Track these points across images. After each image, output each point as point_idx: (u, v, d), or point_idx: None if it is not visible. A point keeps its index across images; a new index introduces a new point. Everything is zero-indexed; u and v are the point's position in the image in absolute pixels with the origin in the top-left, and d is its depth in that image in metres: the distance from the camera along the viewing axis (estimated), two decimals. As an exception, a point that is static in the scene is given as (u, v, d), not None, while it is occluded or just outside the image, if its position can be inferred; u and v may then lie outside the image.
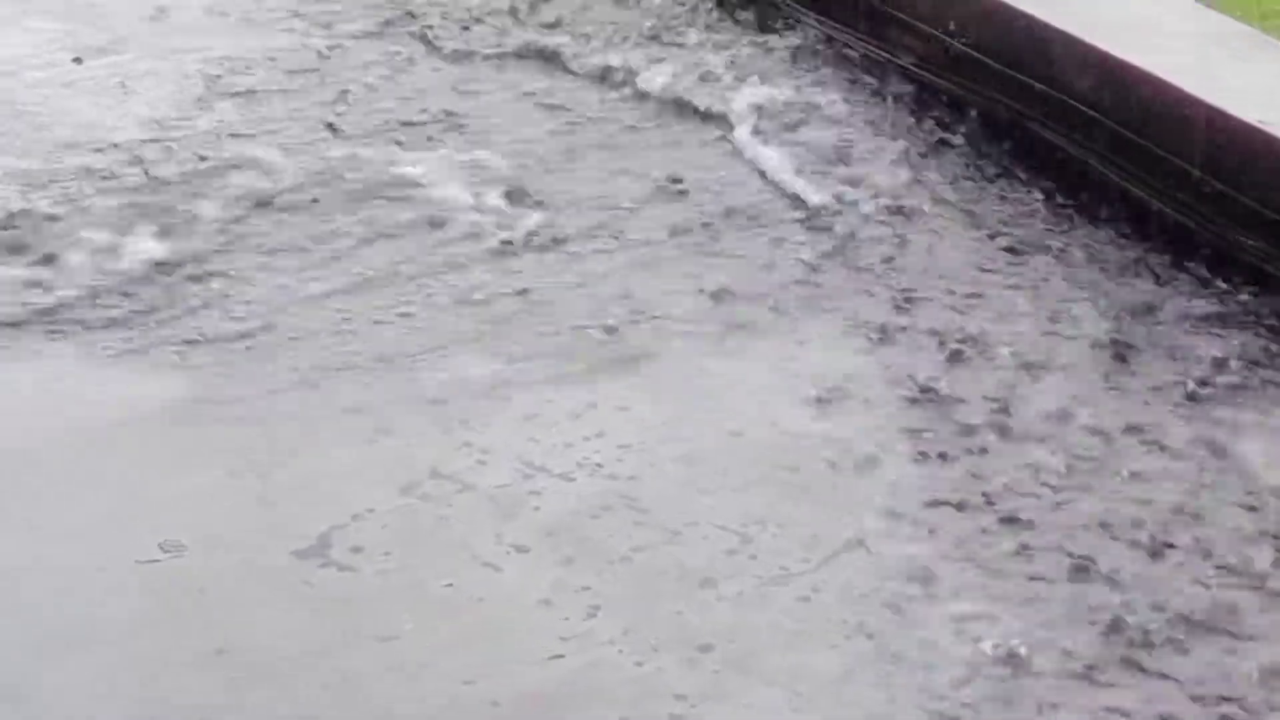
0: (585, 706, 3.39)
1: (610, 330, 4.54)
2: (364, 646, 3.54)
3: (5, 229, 4.93)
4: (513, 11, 6.33)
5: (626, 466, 4.03)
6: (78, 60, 5.95)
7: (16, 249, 4.84)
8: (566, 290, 4.72)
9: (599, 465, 4.04)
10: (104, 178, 5.21)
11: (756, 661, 3.48)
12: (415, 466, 4.03)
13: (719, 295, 4.68)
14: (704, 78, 5.78)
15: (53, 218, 4.99)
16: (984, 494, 3.91)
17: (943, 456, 4.04)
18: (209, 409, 4.26)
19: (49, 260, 4.79)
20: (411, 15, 6.30)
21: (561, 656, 3.51)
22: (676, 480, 4.00)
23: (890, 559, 3.75)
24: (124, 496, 3.96)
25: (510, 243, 4.92)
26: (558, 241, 4.94)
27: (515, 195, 5.12)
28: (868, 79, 5.80)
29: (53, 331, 4.51)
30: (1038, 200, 5.09)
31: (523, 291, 4.71)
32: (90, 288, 4.67)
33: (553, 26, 6.23)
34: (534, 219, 5.02)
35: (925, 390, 4.26)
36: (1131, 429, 4.11)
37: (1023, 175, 5.21)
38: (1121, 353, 4.39)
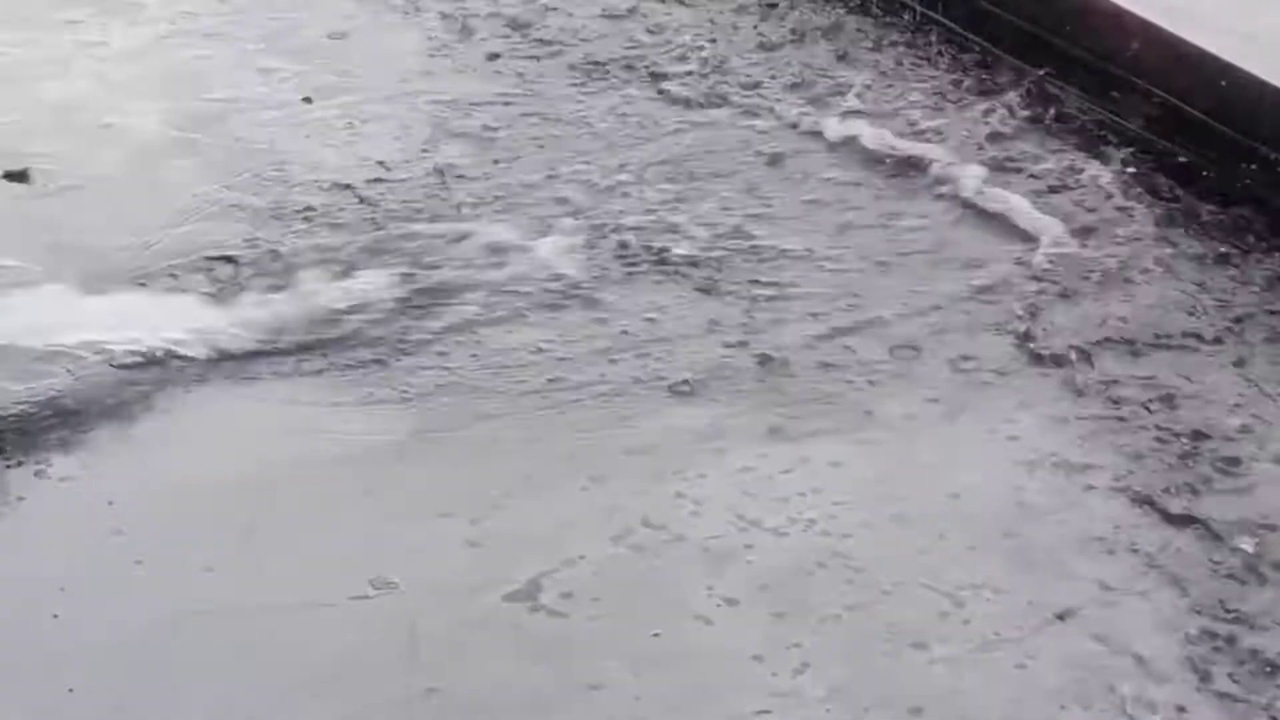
0: (793, 765, 3.37)
1: (826, 384, 4.50)
2: (572, 694, 3.54)
3: (234, 264, 5.02)
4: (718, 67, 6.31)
5: (840, 524, 3.99)
6: (308, 100, 6.04)
7: (244, 285, 4.91)
8: (782, 342, 4.68)
9: (812, 521, 4.01)
10: (330, 218, 5.27)
11: (969, 728, 3.43)
12: (628, 515, 4.03)
13: (937, 352, 4.63)
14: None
15: (279, 255, 5.06)
16: (1211, 571, 3.83)
17: (1168, 527, 3.96)
18: (427, 448, 4.29)
19: (275, 297, 4.86)
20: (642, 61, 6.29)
21: (769, 713, 3.48)
22: (891, 540, 3.95)
23: (1107, 632, 3.67)
24: (340, 533, 4.00)
25: (733, 292, 4.90)
26: (780, 290, 4.92)
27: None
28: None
29: (278, 368, 4.57)
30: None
31: (741, 343, 4.68)
32: (314, 325, 4.73)
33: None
34: (760, 271, 5.02)
35: (1150, 458, 4.18)
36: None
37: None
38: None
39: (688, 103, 5.94)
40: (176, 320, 4.71)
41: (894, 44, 6.33)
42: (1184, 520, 3.99)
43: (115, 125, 5.88)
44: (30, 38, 6.41)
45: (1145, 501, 4.05)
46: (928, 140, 5.66)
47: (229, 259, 5.05)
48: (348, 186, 5.46)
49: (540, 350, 4.64)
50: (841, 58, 6.24)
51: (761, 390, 4.48)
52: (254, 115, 5.95)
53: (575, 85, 6.11)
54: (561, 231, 5.17)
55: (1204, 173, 5.39)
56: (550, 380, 4.52)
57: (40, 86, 6.13)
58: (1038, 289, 4.88)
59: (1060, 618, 3.71)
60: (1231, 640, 3.65)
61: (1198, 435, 4.26)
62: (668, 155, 5.62)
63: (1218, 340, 4.64)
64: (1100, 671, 3.57)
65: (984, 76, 6.08)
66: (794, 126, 5.78)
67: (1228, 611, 3.73)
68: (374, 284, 4.91)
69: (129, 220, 5.29)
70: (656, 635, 3.69)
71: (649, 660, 3.62)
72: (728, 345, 4.67)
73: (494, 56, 6.29)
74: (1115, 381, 4.48)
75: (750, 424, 4.36)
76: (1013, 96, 5.89)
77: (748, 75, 6.13)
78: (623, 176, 5.49)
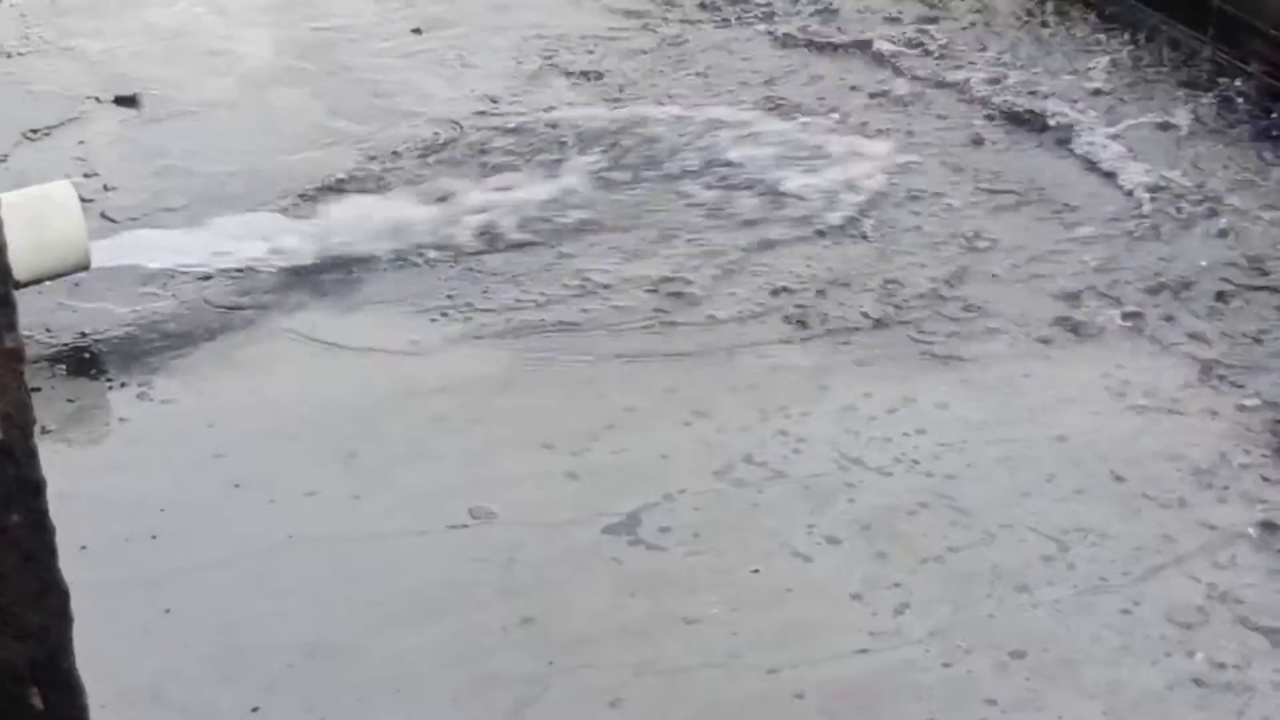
0: (892, 704, 3.32)
1: (933, 325, 4.43)
2: (670, 628, 3.50)
3: (340, 193, 5.01)
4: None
5: (945, 464, 3.94)
6: (417, 31, 6.02)
7: (351, 215, 4.90)
8: (889, 281, 4.62)
9: (916, 461, 3.95)
10: (436, 150, 5.25)
11: (1072, 672, 3.36)
12: (730, 451, 3.99)
13: (1043, 296, 4.54)
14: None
15: (385, 185, 5.06)
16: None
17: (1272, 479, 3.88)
18: (529, 382, 4.27)
19: (380, 228, 4.85)
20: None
21: (868, 652, 3.43)
22: (996, 482, 3.89)
23: (1214, 578, 3.60)
24: (441, 462, 3.99)
25: (832, 229, 4.84)
26: (876, 229, 4.86)
27: (845, 183, 5.05)
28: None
29: (382, 296, 4.56)
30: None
31: (844, 283, 4.62)
32: (417, 256, 4.72)
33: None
34: (856, 206, 4.95)
35: (1260, 407, 4.09)
36: None
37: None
38: None
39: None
40: (281, 247, 4.70)
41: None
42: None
43: (226, 52, 5.89)
44: (143, -37, 6.43)
45: (1258, 446, 3.97)
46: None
47: (336, 188, 5.04)
48: (456, 119, 5.43)
49: (645, 285, 4.60)
50: None
51: (866, 329, 4.42)
52: (364, 45, 5.94)
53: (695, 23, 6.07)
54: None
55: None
56: (654, 315, 4.48)
57: (152, 13, 6.15)
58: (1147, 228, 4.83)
59: (1168, 564, 3.64)
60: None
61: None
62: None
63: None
64: (1207, 619, 3.49)
65: None
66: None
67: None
68: (479, 217, 4.88)
69: (237, 147, 5.30)
70: (755, 572, 3.65)
71: (747, 596, 3.58)
72: (839, 283, 4.61)
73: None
74: (1227, 325, 4.39)
75: (854, 362, 4.30)
76: None
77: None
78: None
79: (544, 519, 3.80)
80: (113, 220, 4.87)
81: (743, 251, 4.73)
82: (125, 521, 3.78)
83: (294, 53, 5.87)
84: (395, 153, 5.22)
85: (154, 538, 3.75)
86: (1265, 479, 3.87)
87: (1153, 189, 4.99)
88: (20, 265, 4.27)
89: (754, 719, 3.31)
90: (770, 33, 6.01)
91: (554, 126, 5.36)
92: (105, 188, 5.04)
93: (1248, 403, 4.11)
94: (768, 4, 6.22)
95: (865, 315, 4.47)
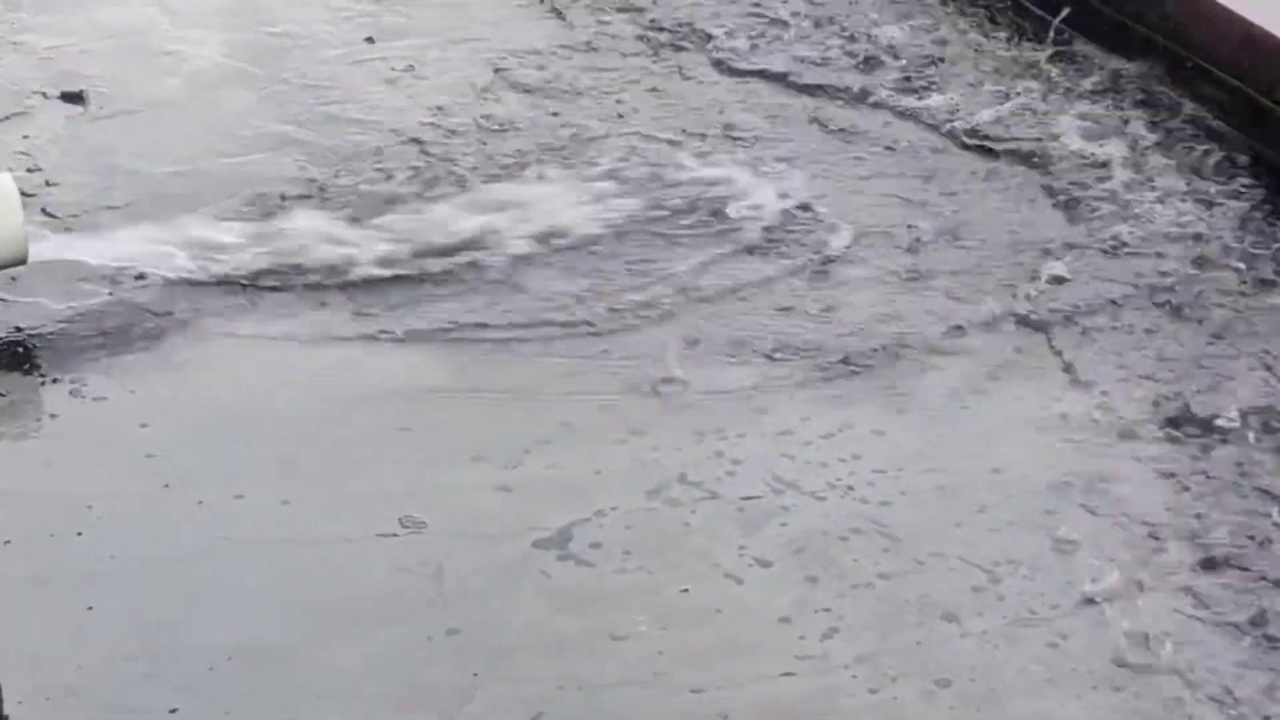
0: (816, 728, 3.32)
1: (872, 352, 4.43)
2: (596, 644, 3.50)
3: (282, 199, 4.99)
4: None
5: (879, 491, 3.93)
6: (369, 40, 6.00)
7: (291, 220, 4.88)
8: (829, 305, 4.62)
9: (850, 488, 3.95)
10: (382, 160, 5.23)
11: (997, 703, 3.37)
12: (664, 470, 3.98)
13: (987, 324, 4.55)
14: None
15: (328, 192, 5.04)
16: (1260, 559, 3.76)
17: (1213, 515, 3.88)
18: (464, 392, 4.26)
19: (321, 234, 4.82)
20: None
21: (795, 675, 3.43)
22: (929, 511, 3.89)
23: (1145, 614, 3.60)
24: (372, 470, 3.97)
25: (785, 254, 4.84)
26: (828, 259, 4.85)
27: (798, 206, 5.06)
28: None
29: (320, 302, 4.54)
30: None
31: (786, 309, 4.62)
32: (358, 266, 4.69)
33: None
34: (813, 233, 4.95)
35: (1199, 443, 4.10)
36: None
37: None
38: None
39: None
40: (221, 249, 4.68)
41: None
42: (1233, 508, 3.91)
43: (174, 53, 5.87)
44: (94, -40, 6.39)
45: (1195, 483, 3.98)
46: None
47: (278, 193, 5.02)
48: (403, 130, 5.41)
49: (589, 301, 4.59)
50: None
51: (807, 352, 4.41)
52: (315, 52, 5.92)
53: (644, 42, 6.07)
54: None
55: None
56: (595, 331, 4.47)
57: (102, 11, 6.13)
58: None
59: (1096, 600, 3.64)
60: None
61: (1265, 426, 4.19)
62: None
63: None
64: (1134, 655, 3.49)
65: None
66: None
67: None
68: (420, 226, 4.86)
69: (183, 148, 5.28)
70: (685, 591, 3.64)
71: (675, 615, 3.57)
72: (781, 310, 4.60)
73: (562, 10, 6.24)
74: (1164, 361, 4.40)
75: (792, 386, 4.29)
76: None
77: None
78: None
79: (472, 529, 3.78)
80: (54, 216, 4.84)
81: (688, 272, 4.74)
82: (51, 517, 3.75)
83: (245, 56, 5.84)
84: (342, 162, 5.19)
85: (79, 534, 3.72)
86: (1200, 515, 3.87)
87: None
88: (-44, 256, 4.26)
89: (678, 738, 3.31)
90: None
91: (502, 139, 5.36)
92: (47, 183, 5.01)
93: (1186, 440, 4.12)
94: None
95: (804, 339, 4.47)
